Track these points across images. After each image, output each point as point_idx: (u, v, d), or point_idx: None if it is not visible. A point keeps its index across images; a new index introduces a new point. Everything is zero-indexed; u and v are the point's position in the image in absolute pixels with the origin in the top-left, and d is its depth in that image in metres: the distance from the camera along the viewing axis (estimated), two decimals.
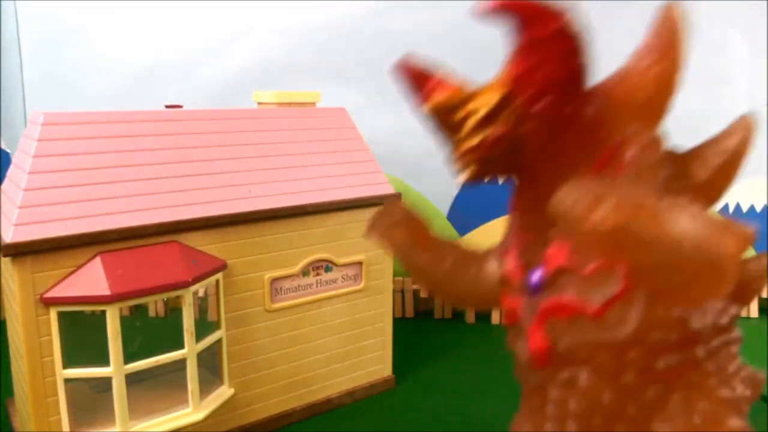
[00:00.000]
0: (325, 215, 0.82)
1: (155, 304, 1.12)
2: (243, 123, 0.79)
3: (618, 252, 0.25)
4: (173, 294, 0.67)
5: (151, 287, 0.65)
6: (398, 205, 0.41)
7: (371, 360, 0.90)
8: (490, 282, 0.39)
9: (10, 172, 0.70)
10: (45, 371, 0.63)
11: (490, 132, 0.30)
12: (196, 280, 0.68)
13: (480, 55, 1.18)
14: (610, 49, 1.28)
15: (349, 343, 0.87)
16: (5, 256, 0.61)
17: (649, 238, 0.23)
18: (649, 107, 0.33)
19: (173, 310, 1.08)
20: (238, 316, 0.76)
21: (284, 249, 0.79)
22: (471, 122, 0.30)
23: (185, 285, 0.66)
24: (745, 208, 1.26)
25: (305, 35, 1.15)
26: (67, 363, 0.64)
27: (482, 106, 0.30)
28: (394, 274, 0.92)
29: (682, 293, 0.26)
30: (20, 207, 0.61)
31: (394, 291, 0.93)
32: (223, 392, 0.74)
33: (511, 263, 0.37)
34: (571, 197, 0.23)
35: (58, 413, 0.64)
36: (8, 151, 1.19)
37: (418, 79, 0.34)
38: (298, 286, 0.81)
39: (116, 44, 1.16)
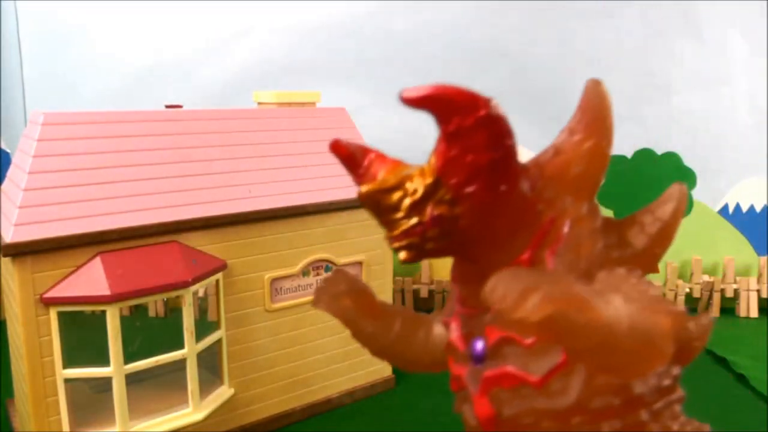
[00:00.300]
0: (325, 215, 0.82)
1: (155, 304, 1.12)
2: (243, 123, 0.79)
3: (552, 339, 0.26)
4: (173, 294, 0.67)
5: (151, 287, 0.65)
6: (342, 275, 0.42)
7: (371, 360, 0.90)
8: (437, 347, 0.41)
9: (10, 172, 0.70)
10: (45, 371, 0.63)
11: (427, 213, 0.31)
12: (196, 280, 0.67)
13: (480, 56, 1.18)
14: (611, 48, 1.27)
15: (349, 343, 0.87)
16: (5, 256, 0.61)
17: (579, 326, 0.24)
18: (583, 180, 0.33)
19: (173, 310, 1.08)
20: (238, 316, 0.76)
21: (284, 249, 0.79)
22: (407, 202, 0.31)
23: (185, 285, 0.66)
24: (745, 208, 1.26)
25: (305, 35, 1.15)
26: (67, 363, 0.64)
27: (418, 187, 0.30)
28: (394, 274, 0.92)
29: (620, 370, 0.28)
30: (20, 207, 0.61)
31: (394, 291, 0.93)
32: (223, 392, 0.74)
33: (454, 332, 0.38)
34: (500, 288, 0.24)
35: (58, 413, 0.64)
36: (8, 151, 1.19)
37: (352, 159, 0.34)
38: (298, 286, 0.81)
39: (116, 44, 1.16)
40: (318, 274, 0.82)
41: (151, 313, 1.13)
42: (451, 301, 0.40)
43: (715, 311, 1.23)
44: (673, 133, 1.22)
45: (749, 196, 1.26)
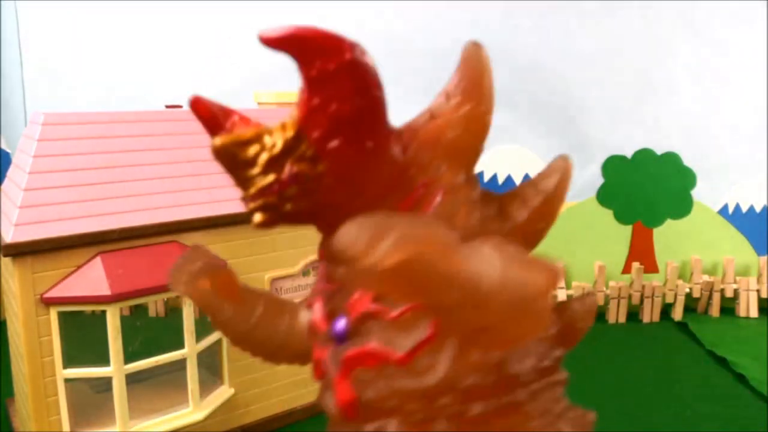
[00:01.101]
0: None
1: (155, 304, 1.12)
2: None
3: (409, 292, 0.23)
4: (173, 294, 0.67)
5: (151, 287, 0.65)
6: (200, 252, 0.39)
7: None
8: (304, 334, 0.37)
9: (10, 172, 0.70)
10: (45, 371, 0.63)
11: (286, 170, 0.28)
12: None
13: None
14: (611, 48, 1.27)
15: None
16: (5, 256, 0.61)
17: (439, 275, 0.22)
18: (459, 147, 0.31)
19: (173, 310, 1.08)
20: None
21: (284, 249, 0.79)
22: (264, 157, 0.28)
23: None
24: (745, 208, 1.26)
25: None
26: (67, 363, 0.64)
27: (277, 141, 0.28)
28: None
29: (495, 335, 0.25)
30: (20, 207, 0.61)
31: None
32: (223, 392, 0.74)
33: (317, 313, 0.35)
34: (350, 234, 0.22)
35: (58, 413, 0.64)
36: (8, 151, 1.19)
37: (214, 119, 0.32)
38: (298, 286, 0.81)
39: (117, 44, 1.16)
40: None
41: (151, 313, 1.13)
42: (318, 281, 0.37)
43: (715, 311, 1.24)
44: (673, 133, 1.22)
45: (749, 196, 1.26)
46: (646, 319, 1.22)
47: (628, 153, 1.22)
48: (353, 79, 0.27)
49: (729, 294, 1.23)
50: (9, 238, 0.60)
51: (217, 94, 1.23)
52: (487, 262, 0.23)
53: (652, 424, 0.83)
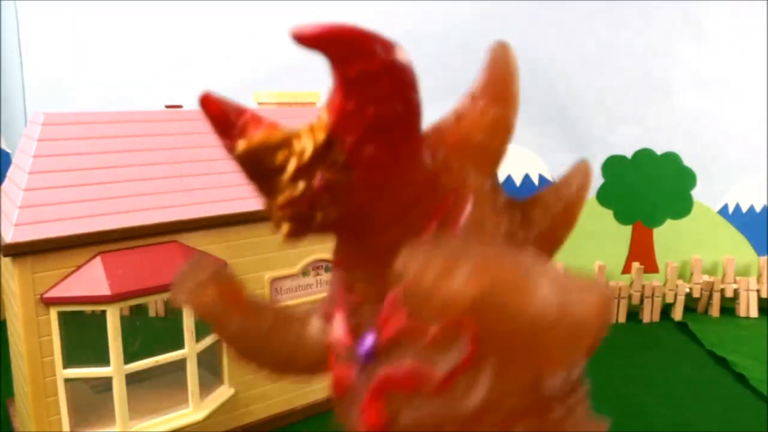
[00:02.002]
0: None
1: (155, 304, 1.12)
2: None
3: (475, 324, 0.22)
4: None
5: (151, 287, 0.65)
6: (206, 261, 0.37)
7: None
8: (316, 344, 0.35)
9: (10, 172, 0.70)
10: (45, 371, 0.63)
11: (317, 177, 0.26)
12: None
13: (480, 56, 1.18)
14: (611, 48, 1.27)
15: None
16: (5, 256, 0.61)
17: (511, 308, 0.21)
18: (486, 152, 0.30)
19: (173, 310, 1.08)
20: None
21: (284, 249, 0.79)
22: (294, 164, 0.25)
23: None
24: (745, 208, 1.26)
25: None
26: (67, 363, 0.64)
27: (307, 146, 0.25)
28: None
29: (542, 357, 0.24)
30: (20, 207, 0.61)
31: None
32: (223, 392, 0.74)
33: (338, 327, 0.32)
34: (417, 263, 0.20)
35: (58, 413, 0.64)
36: (8, 151, 1.19)
37: (224, 118, 0.29)
38: (298, 286, 0.81)
39: (117, 44, 1.16)
40: (318, 274, 0.82)
41: (151, 313, 1.13)
42: (332, 288, 0.34)
43: (715, 311, 1.24)
44: (673, 133, 1.22)
45: (749, 196, 1.26)
46: (646, 319, 1.22)
47: (628, 153, 1.22)
48: (394, 81, 0.25)
49: (729, 294, 1.23)
50: (9, 238, 0.60)
51: (218, 94, 1.22)
52: (548, 293, 0.22)
53: (651, 424, 0.83)
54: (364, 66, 0.24)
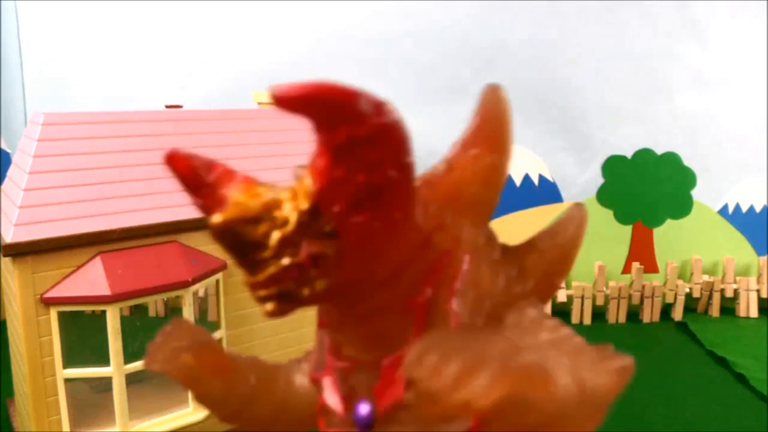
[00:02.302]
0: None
1: (155, 304, 1.12)
2: (243, 123, 0.79)
3: (497, 418, 0.21)
4: (173, 294, 0.67)
5: (151, 287, 0.65)
6: (182, 326, 0.35)
7: None
8: (301, 403, 0.34)
9: (10, 172, 0.70)
10: (45, 371, 0.63)
11: (302, 250, 0.23)
12: (196, 280, 0.67)
13: (480, 56, 1.18)
14: (611, 48, 1.27)
15: None
16: (5, 256, 0.61)
17: (531, 407, 0.20)
18: (480, 203, 0.28)
19: (173, 310, 1.08)
20: (238, 316, 0.76)
21: None
22: (276, 237, 0.23)
23: (185, 285, 0.66)
24: (745, 208, 1.26)
25: (306, 36, 1.15)
26: (67, 363, 0.64)
27: (290, 216, 0.23)
28: None
29: (567, 429, 0.23)
30: (20, 207, 0.61)
31: None
32: None
33: (330, 395, 0.31)
34: (429, 361, 0.19)
35: (58, 413, 0.64)
36: (8, 151, 1.19)
37: (194, 175, 0.26)
38: None
39: (117, 44, 1.16)
40: None
41: (151, 313, 1.13)
42: (319, 350, 0.33)
43: (715, 311, 1.23)
44: (673, 133, 1.22)
45: (749, 196, 1.26)
46: (646, 319, 1.22)
47: (628, 153, 1.22)
48: (386, 146, 0.23)
49: (729, 294, 1.23)
50: (9, 238, 0.60)
51: (217, 94, 1.23)
52: (569, 380, 0.21)
53: (651, 424, 0.83)
54: (353, 131, 0.22)
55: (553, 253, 0.32)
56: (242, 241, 0.23)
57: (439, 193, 0.28)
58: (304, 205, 0.23)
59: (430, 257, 0.26)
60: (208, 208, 0.25)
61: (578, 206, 0.33)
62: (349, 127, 0.22)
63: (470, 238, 0.28)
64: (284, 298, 0.24)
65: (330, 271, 0.24)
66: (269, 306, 0.25)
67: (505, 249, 0.30)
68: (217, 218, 0.23)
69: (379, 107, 0.22)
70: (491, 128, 0.29)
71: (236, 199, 0.24)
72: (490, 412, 0.19)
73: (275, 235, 0.23)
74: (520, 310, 0.27)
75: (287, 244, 0.23)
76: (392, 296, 0.26)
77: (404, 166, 0.24)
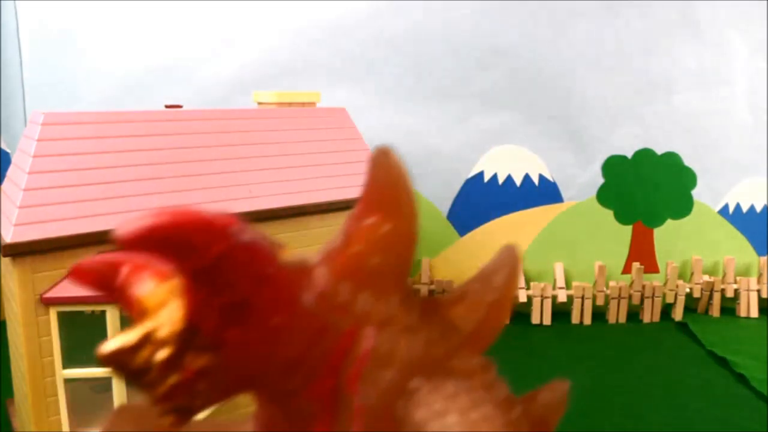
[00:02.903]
0: (325, 215, 0.82)
1: None
2: (243, 123, 0.79)
3: None
4: None
5: None
6: (126, 414, 0.35)
7: None
8: None
9: (10, 172, 0.70)
10: (45, 371, 0.63)
11: (187, 365, 0.24)
12: None
13: (480, 55, 1.18)
14: (611, 48, 1.27)
15: None
16: (5, 256, 0.61)
17: None
18: (381, 273, 0.27)
19: None
20: None
21: (284, 249, 0.79)
22: (159, 358, 0.24)
23: None
24: (745, 208, 1.26)
25: (305, 35, 1.15)
26: (67, 363, 0.63)
27: (168, 338, 0.24)
28: None
29: None
30: (20, 207, 0.61)
31: None
32: None
33: None
34: None
35: (58, 413, 0.64)
36: (8, 151, 1.19)
37: (103, 281, 0.27)
38: None
39: (117, 44, 1.16)
40: None
41: None
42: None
43: (715, 311, 1.23)
44: (673, 133, 1.22)
45: (749, 196, 1.26)
46: (646, 319, 1.22)
47: (628, 153, 1.22)
48: (237, 266, 0.24)
49: (729, 294, 1.23)
50: (9, 238, 0.60)
51: (218, 94, 1.23)
52: None
53: (652, 424, 0.83)
54: (198, 262, 0.23)
55: (487, 300, 0.30)
56: (129, 369, 0.24)
57: (337, 270, 0.27)
58: (179, 326, 0.24)
59: (329, 342, 0.26)
60: (124, 308, 0.26)
61: (508, 248, 0.30)
62: (195, 258, 0.23)
63: (378, 309, 0.27)
64: (181, 412, 0.26)
65: (219, 379, 0.25)
66: (168, 420, 0.26)
67: (425, 306, 0.29)
68: (102, 351, 0.25)
69: (219, 233, 0.23)
70: (385, 194, 0.28)
71: (116, 337, 0.25)
72: None
73: (159, 356, 0.24)
74: (437, 387, 0.26)
75: (171, 364, 0.24)
76: (296, 383, 0.26)
77: (264, 278, 0.24)
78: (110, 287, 0.27)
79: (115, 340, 0.25)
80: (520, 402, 0.29)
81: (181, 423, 0.26)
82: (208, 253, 0.23)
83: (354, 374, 0.26)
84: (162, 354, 0.24)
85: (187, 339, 0.24)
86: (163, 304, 0.25)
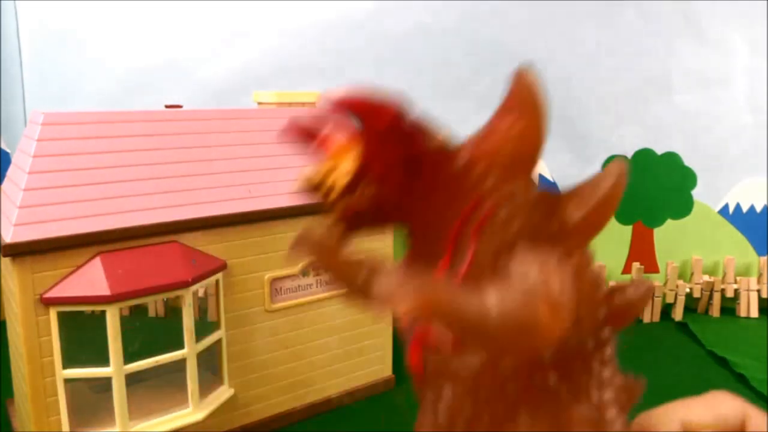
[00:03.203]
0: (324, 215, 0.81)
1: (155, 304, 1.12)
2: (243, 123, 0.79)
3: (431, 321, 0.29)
4: (173, 294, 0.67)
5: (151, 287, 0.65)
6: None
7: (371, 360, 0.90)
8: None
9: (10, 172, 0.70)
10: (45, 371, 0.63)
11: (360, 191, 0.34)
12: (196, 280, 0.67)
13: (480, 55, 1.18)
14: (611, 48, 1.27)
15: (349, 343, 0.87)
16: (5, 256, 0.61)
17: (447, 314, 0.26)
18: (516, 160, 0.35)
19: (173, 310, 1.07)
20: (238, 316, 0.76)
21: (284, 249, 0.79)
22: (342, 183, 0.34)
23: (185, 285, 0.66)
24: (745, 208, 1.26)
25: (305, 35, 1.15)
26: (67, 363, 0.64)
27: (340, 177, 0.34)
28: None
29: (501, 349, 0.30)
30: (20, 207, 0.61)
31: None
32: (223, 392, 0.74)
33: None
34: (384, 285, 0.27)
35: (58, 413, 0.64)
36: (8, 151, 1.19)
37: (309, 136, 0.36)
38: (298, 286, 0.81)
39: (117, 44, 1.16)
40: (318, 275, 0.82)
41: (151, 313, 1.13)
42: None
43: (715, 311, 1.23)
44: (673, 133, 1.22)
45: (749, 196, 1.25)
46: (646, 319, 1.22)
47: (628, 153, 1.22)
48: (396, 136, 0.32)
49: (729, 294, 1.23)
50: (9, 238, 0.60)
51: (218, 94, 1.23)
52: (486, 304, 0.26)
53: None
54: (372, 127, 0.32)
55: (593, 199, 0.35)
56: (320, 189, 0.35)
57: (480, 152, 0.34)
58: (357, 163, 0.33)
59: (466, 199, 0.33)
60: (323, 151, 0.35)
61: (618, 161, 0.36)
62: (367, 124, 0.32)
63: (504, 186, 0.33)
64: (349, 223, 0.35)
65: (380, 207, 0.34)
66: (339, 228, 0.35)
67: (545, 194, 0.35)
68: (302, 175, 0.34)
69: (385, 111, 0.32)
70: (520, 102, 0.35)
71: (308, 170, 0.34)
72: (413, 313, 0.26)
73: (340, 183, 0.34)
74: (535, 246, 0.30)
75: (348, 190, 0.34)
76: (440, 223, 0.33)
77: (415, 149, 0.33)
78: (316, 135, 0.35)
79: (314, 168, 0.34)
80: (608, 290, 0.34)
81: (348, 231, 0.35)
82: (380, 121, 0.32)
83: (477, 227, 0.33)
84: (343, 180, 0.33)
85: (360, 174, 0.33)
86: (348, 149, 0.34)
